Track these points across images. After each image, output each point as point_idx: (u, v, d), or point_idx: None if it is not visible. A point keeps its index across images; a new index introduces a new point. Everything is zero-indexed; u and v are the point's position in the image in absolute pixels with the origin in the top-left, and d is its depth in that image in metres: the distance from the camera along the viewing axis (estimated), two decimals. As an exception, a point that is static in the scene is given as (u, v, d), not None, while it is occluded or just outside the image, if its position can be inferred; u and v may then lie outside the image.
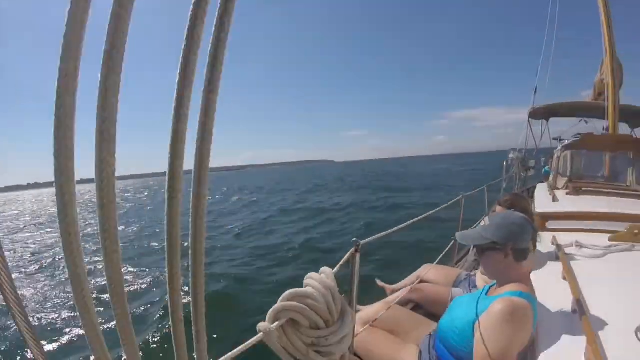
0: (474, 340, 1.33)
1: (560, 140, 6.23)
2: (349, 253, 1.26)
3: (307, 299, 0.84)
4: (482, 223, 1.53)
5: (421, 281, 2.61)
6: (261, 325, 0.77)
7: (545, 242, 2.40)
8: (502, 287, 1.45)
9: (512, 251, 1.42)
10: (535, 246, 1.46)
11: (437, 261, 2.82)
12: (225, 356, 0.73)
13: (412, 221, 2.14)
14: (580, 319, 1.35)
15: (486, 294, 1.54)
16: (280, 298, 0.83)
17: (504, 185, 6.76)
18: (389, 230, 1.75)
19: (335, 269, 1.05)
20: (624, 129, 6.22)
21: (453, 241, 3.39)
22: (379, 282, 2.94)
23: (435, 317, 1.97)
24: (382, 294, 2.67)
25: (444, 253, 3.05)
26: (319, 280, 0.90)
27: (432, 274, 2.63)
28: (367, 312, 2.01)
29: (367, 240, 1.39)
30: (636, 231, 2.35)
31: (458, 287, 2.39)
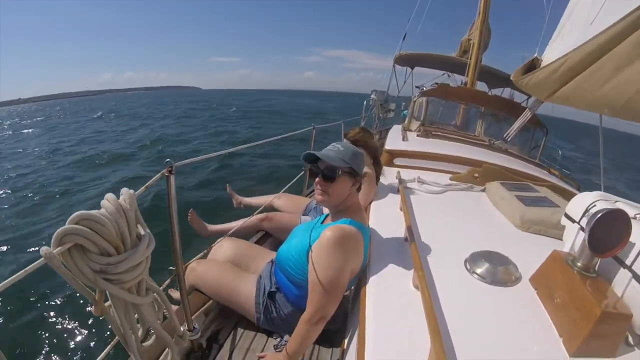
0: (308, 267, 1.37)
1: (423, 88, 6.84)
2: (159, 174, 1.19)
3: (95, 223, 0.77)
4: (333, 147, 1.48)
5: (272, 209, 2.71)
6: (43, 249, 0.70)
7: (390, 177, 2.55)
8: (336, 215, 1.49)
9: (360, 182, 1.49)
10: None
11: (284, 190, 2.89)
12: (4, 282, 0.66)
13: (247, 145, 2.08)
14: (410, 246, 1.39)
15: (321, 222, 1.60)
16: (68, 220, 0.75)
17: (362, 123, 7.12)
18: (210, 155, 1.69)
19: (139, 190, 0.99)
20: (483, 88, 7.13)
21: (303, 172, 3.50)
22: (229, 189, 2.97)
23: None
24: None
25: (292, 182, 3.14)
26: (112, 202, 0.83)
27: (282, 203, 2.72)
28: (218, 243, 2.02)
29: (183, 162, 1.32)
30: (475, 174, 2.65)
31: (308, 215, 2.51)
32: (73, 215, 0.75)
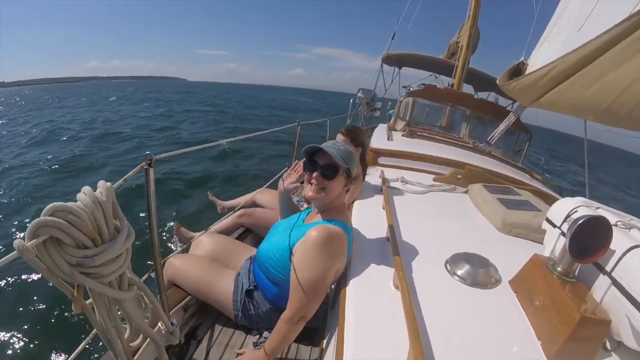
0: (291, 267, 1.35)
1: (410, 88, 6.89)
2: (138, 167, 1.17)
3: (70, 215, 0.74)
4: (335, 145, 1.45)
5: (254, 204, 2.70)
6: (17, 242, 0.67)
7: (374, 176, 2.54)
8: (321, 214, 1.48)
9: (350, 183, 1.47)
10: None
11: (267, 185, 2.87)
12: None
13: (230, 139, 2.05)
14: (391, 246, 1.39)
15: (302, 221, 1.58)
16: (43, 212, 0.73)
17: (348, 121, 7.22)
18: (189, 149, 1.66)
19: (117, 183, 0.97)
20: (469, 90, 7.21)
21: (287, 167, 3.49)
22: (211, 196, 2.94)
23: None
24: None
25: (276, 177, 3.11)
26: (88, 194, 0.80)
27: (264, 198, 2.70)
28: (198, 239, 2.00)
29: (163, 155, 1.30)
30: (458, 176, 2.67)
31: None
32: (48, 207, 0.72)
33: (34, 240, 0.70)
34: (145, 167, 1.18)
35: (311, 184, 1.42)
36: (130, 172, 1.12)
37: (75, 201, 0.80)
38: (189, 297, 1.74)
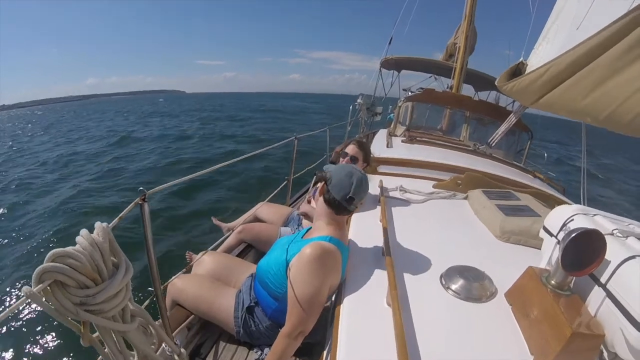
0: (287, 282, 1.40)
1: (410, 91, 6.87)
2: (132, 204, 1.20)
3: (70, 259, 0.81)
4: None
5: (256, 219, 2.72)
6: (25, 289, 0.75)
7: (373, 185, 2.50)
8: (316, 230, 1.53)
9: (327, 190, 1.50)
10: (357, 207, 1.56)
11: (268, 199, 2.88)
12: None
13: (225, 163, 2.07)
14: (385, 261, 1.39)
15: (302, 237, 1.62)
16: (45, 258, 0.80)
17: (348, 128, 7.22)
18: (182, 178, 1.68)
19: (113, 222, 1.02)
20: (469, 90, 7.20)
21: (286, 181, 3.50)
22: (215, 221, 2.96)
23: None
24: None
25: (275, 192, 3.12)
26: (86, 237, 0.87)
27: (265, 212, 2.72)
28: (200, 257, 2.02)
29: (156, 189, 1.34)
30: (458, 182, 2.65)
31: (287, 226, 2.51)
32: (49, 254, 0.80)
33: (40, 285, 0.77)
34: (139, 202, 1.22)
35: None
36: (125, 210, 1.15)
37: (75, 244, 0.86)
38: (192, 316, 1.77)
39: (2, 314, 0.71)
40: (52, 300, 0.81)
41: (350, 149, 2.42)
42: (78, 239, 0.87)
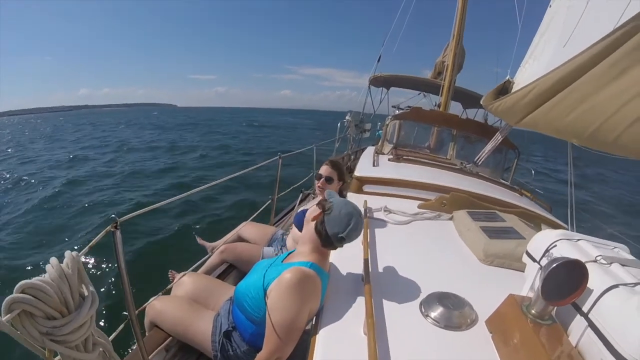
0: (266, 307, 1.38)
1: (399, 108, 6.92)
2: (103, 231, 1.19)
3: (39, 291, 0.84)
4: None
5: (239, 238, 2.68)
6: None
7: (358, 206, 2.56)
8: (298, 254, 1.52)
9: (321, 221, 1.48)
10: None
11: (251, 218, 2.86)
12: None
13: (201, 188, 2.05)
14: (364, 288, 1.36)
15: (282, 261, 1.60)
16: (15, 288, 0.82)
17: (336, 145, 7.26)
18: (155, 205, 1.66)
19: (82, 251, 1.03)
20: (458, 107, 7.30)
21: (270, 200, 3.48)
22: (199, 240, 2.94)
23: None
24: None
25: (259, 212, 3.09)
26: (55, 268, 0.89)
27: (248, 232, 2.69)
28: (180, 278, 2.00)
29: (128, 216, 1.32)
30: (444, 202, 2.62)
31: (271, 246, 2.48)
32: (18, 285, 0.83)
33: (9, 314, 0.81)
34: (112, 229, 1.21)
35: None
36: (96, 238, 1.16)
37: (45, 273, 0.89)
38: (170, 337, 1.74)
39: None
40: (20, 329, 0.83)
41: (324, 170, 2.43)
42: (48, 268, 0.89)
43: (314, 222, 1.50)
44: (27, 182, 10.83)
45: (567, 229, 2.75)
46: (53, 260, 0.91)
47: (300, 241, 1.56)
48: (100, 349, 1.05)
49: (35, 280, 0.85)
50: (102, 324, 3.50)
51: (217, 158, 15.64)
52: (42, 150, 19.62)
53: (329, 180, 2.39)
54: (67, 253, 0.95)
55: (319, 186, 2.38)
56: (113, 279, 4.49)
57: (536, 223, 2.58)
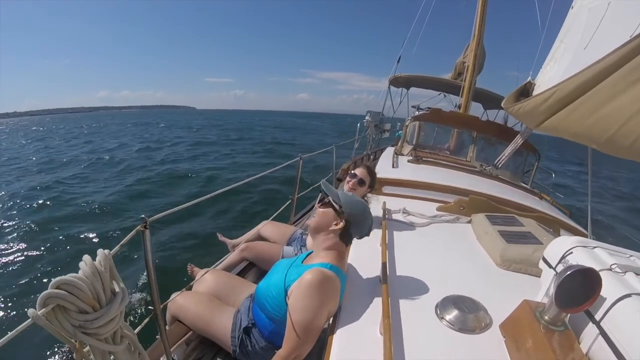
0: (286, 307, 1.42)
1: (419, 108, 6.86)
2: (134, 231, 1.23)
3: (73, 287, 0.89)
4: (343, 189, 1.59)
5: (259, 237, 2.73)
6: (30, 311, 0.83)
7: (377, 207, 2.51)
8: (317, 255, 1.55)
9: (345, 228, 1.51)
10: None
11: (272, 218, 2.87)
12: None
13: (225, 189, 2.09)
14: (381, 289, 1.39)
15: (302, 261, 1.64)
16: (50, 284, 0.87)
17: (356, 145, 7.25)
18: (184, 205, 1.67)
19: (114, 250, 1.07)
20: (478, 108, 7.20)
21: (290, 200, 3.50)
22: (220, 237, 2.99)
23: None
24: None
25: (279, 211, 3.10)
26: (89, 266, 0.94)
27: (269, 231, 2.74)
28: (202, 275, 2.05)
29: (157, 216, 1.36)
30: (462, 205, 2.63)
31: (290, 245, 2.51)
32: (54, 281, 0.88)
33: (44, 308, 0.85)
34: (141, 229, 1.25)
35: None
36: (127, 237, 1.19)
37: (78, 270, 0.94)
38: (191, 332, 1.80)
39: (11, 333, 0.79)
40: (54, 322, 0.88)
41: (360, 172, 2.44)
42: (82, 265, 0.94)
43: (338, 233, 1.53)
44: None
45: (587, 235, 2.72)
46: (86, 257, 0.96)
47: (319, 246, 1.58)
48: (127, 341, 1.11)
49: (69, 276, 0.90)
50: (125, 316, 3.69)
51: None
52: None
53: (361, 182, 2.40)
54: (100, 251, 1.00)
55: (350, 186, 2.40)
56: (138, 274, 4.68)
57: (555, 228, 2.55)
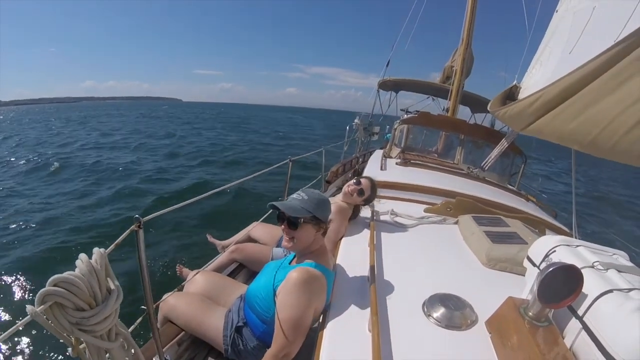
0: (275, 307, 1.45)
1: (407, 112, 6.94)
2: (128, 230, 1.24)
3: (70, 285, 0.90)
4: (298, 195, 1.58)
5: (249, 238, 2.73)
6: (28, 308, 0.84)
7: (365, 209, 2.55)
8: (302, 257, 1.59)
9: (325, 228, 1.59)
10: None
11: (262, 219, 2.81)
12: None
13: (221, 188, 2.11)
14: (369, 288, 1.42)
15: (289, 263, 1.68)
16: (47, 282, 0.89)
17: (345, 148, 7.33)
18: (178, 205, 1.67)
19: (109, 248, 1.08)
20: (466, 112, 7.31)
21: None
22: (210, 238, 2.98)
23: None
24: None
25: (269, 212, 3.08)
26: (85, 264, 0.96)
27: (259, 232, 2.74)
28: (192, 276, 2.05)
29: (150, 216, 1.37)
30: (449, 207, 2.67)
31: (280, 247, 2.50)
32: (51, 279, 0.89)
33: (42, 306, 0.87)
34: (135, 229, 1.26)
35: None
36: (121, 237, 1.21)
37: (75, 268, 0.95)
38: (183, 332, 1.81)
39: (10, 330, 0.80)
40: (51, 319, 0.90)
41: (365, 183, 2.43)
42: (78, 263, 0.95)
43: (317, 232, 1.58)
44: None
45: (571, 235, 2.78)
46: (83, 256, 0.97)
47: (301, 251, 1.62)
48: (121, 339, 1.12)
49: (67, 274, 0.91)
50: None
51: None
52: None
53: (361, 193, 2.39)
54: (96, 250, 1.01)
55: (349, 190, 2.39)
56: (131, 274, 4.64)
57: (540, 228, 2.60)
